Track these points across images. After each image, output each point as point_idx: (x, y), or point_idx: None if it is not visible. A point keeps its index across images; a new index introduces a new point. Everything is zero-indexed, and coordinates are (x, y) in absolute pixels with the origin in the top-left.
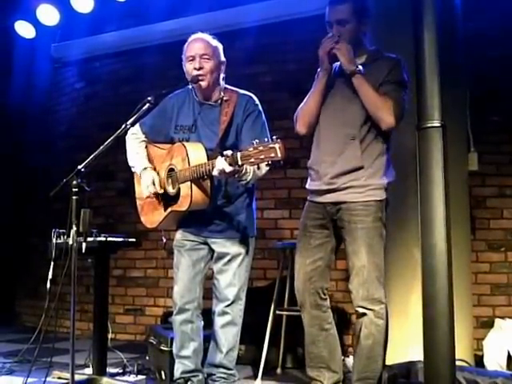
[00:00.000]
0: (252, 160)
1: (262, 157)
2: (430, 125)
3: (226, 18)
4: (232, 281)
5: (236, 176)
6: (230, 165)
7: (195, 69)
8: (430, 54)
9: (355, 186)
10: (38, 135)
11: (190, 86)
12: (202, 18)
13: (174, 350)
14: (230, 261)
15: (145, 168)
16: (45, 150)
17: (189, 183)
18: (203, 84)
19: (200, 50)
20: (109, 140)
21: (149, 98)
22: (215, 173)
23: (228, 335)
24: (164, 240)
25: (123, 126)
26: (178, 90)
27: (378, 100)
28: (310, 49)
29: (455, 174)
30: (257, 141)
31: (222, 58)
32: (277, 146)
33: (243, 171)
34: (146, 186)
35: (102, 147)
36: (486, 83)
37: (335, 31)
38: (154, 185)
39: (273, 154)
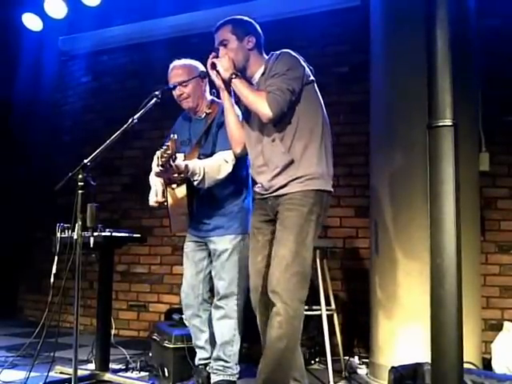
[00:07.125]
0: (165, 156)
1: (167, 154)
2: (441, 123)
3: (235, 13)
4: (220, 275)
5: (182, 176)
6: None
7: (177, 96)
8: (442, 52)
9: (294, 178)
10: (44, 129)
11: None
12: (211, 13)
13: (193, 341)
14: (218, 256)
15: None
16: (50, 143)
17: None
18: (188, 106)
19: (176, 78)
20: (115, 134)
21: (156, 93)
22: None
23: (223, 329)
24: None
25: (130, 121)
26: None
27: (251, 96)
28: (319, 44)
29: (466, 174)
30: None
31: (201, 72)
32: (169, 142)
33: (189, 172)
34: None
35: (108, 141)
36: (499, 83)
37: (220, 53)
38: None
39: (169, 151)
